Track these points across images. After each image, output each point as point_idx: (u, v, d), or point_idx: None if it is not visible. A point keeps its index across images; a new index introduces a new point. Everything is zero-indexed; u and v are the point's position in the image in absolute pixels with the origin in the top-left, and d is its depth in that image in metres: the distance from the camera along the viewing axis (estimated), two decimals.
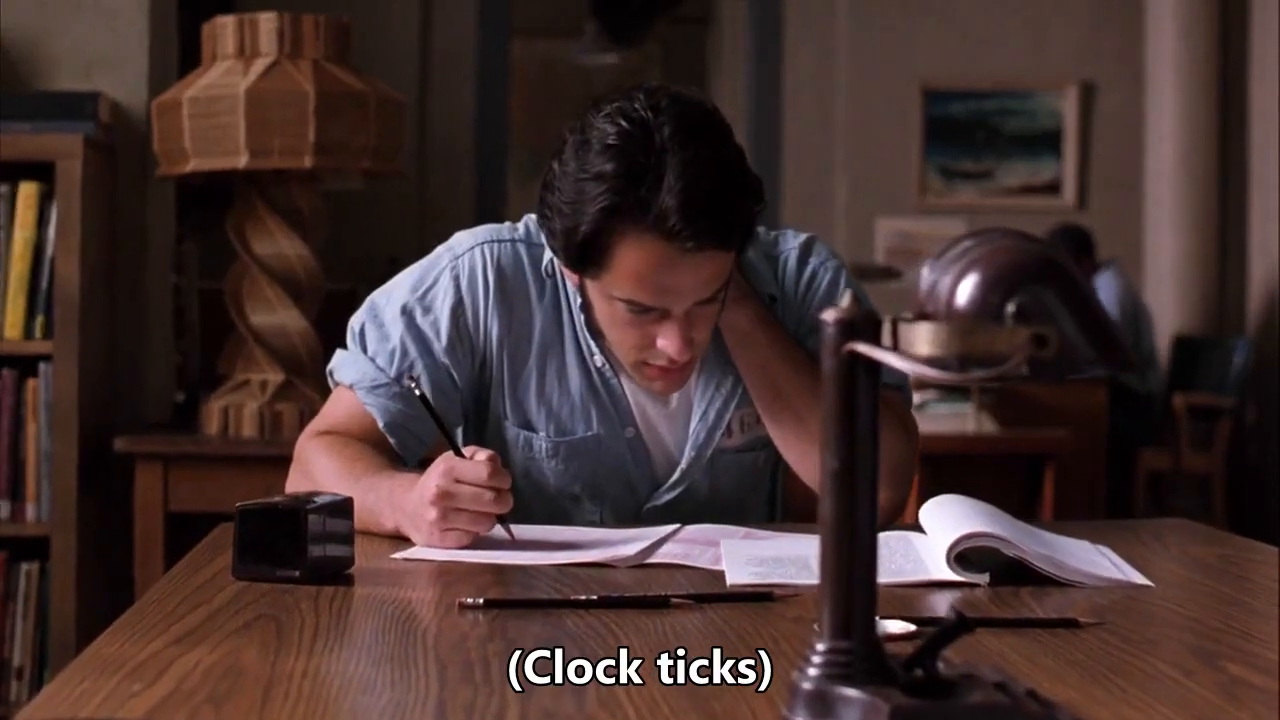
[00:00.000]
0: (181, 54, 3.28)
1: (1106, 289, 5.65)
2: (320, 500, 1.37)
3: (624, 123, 1.51)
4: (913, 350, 0.86)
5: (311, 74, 2.74)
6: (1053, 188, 6.17)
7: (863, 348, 0.88)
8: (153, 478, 2.72)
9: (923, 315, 0.91)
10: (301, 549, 1.32)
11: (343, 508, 1.39)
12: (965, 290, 0.85)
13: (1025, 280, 0.83)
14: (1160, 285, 6.13)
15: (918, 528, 1.51)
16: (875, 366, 0.89)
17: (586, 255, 1.54)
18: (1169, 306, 6.07)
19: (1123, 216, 6.13)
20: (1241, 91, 5.95)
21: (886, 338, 0.89)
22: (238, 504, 1.35)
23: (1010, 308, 0.83)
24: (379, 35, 4.91)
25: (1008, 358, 0.82)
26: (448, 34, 5.51)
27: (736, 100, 6.65)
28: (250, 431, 2.80)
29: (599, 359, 1.70)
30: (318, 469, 1.66)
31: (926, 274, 0.91)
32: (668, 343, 1.58)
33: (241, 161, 2.71)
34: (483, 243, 1.72)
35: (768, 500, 1.84)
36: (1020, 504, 4.47)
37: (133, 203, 3.10)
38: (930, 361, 0.84)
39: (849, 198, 6.13)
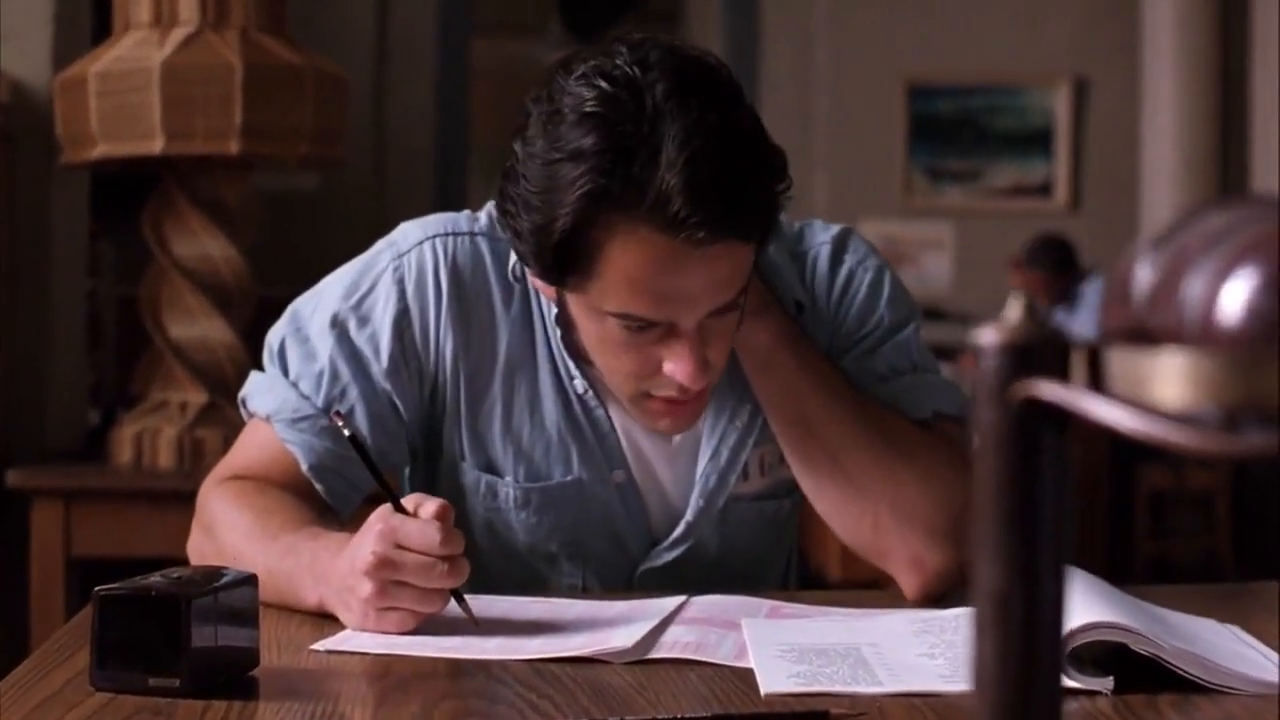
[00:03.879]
0: (95, 24, 2.93)
1: (1097, 297, 5.41)
2: (214, 581, 1.04)
3: (605, 84, 1.16)
4: (1140, 394, 0.51)
5: (238, 45, 2.42)
6: (1044, 189, 5.90)
7: (1050, 390, 0.53)
8: (51, 517, 2.40)
9: (1139, 335, 0.56)
10: (182, 648, 1.00)
11: (243, 585, 1.06)
12: (1238, 296, 0.50)
13: None
14: None
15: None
16: (1064, 421, 0.55)
17: (566, 260, 1.19)
18: None
19: (1118, 219, 5.88)
20: (1243, 87, 5.73)
21: (1080, 374, 0.55)
22: (97, 588, 1.03)
23: None
24: (332, 28, 4.58)
25: None
26: (406, 28, 5.20)
27: None
28: (167, 462, 2.47)
29: (580, 383, 1.35)
30: (224, 525, 1.32)
31: (1141, 271, 0.56)
32: (677, 366, 1.22)
33: (157, 146, 2.38)
34: (434, 236, 1.37)
35: (786, 559, 1.50)
36: None
37: (36, 196, 2.76)
38: (1184, 420, 0.49)
39: (830, 199, 5.87)
